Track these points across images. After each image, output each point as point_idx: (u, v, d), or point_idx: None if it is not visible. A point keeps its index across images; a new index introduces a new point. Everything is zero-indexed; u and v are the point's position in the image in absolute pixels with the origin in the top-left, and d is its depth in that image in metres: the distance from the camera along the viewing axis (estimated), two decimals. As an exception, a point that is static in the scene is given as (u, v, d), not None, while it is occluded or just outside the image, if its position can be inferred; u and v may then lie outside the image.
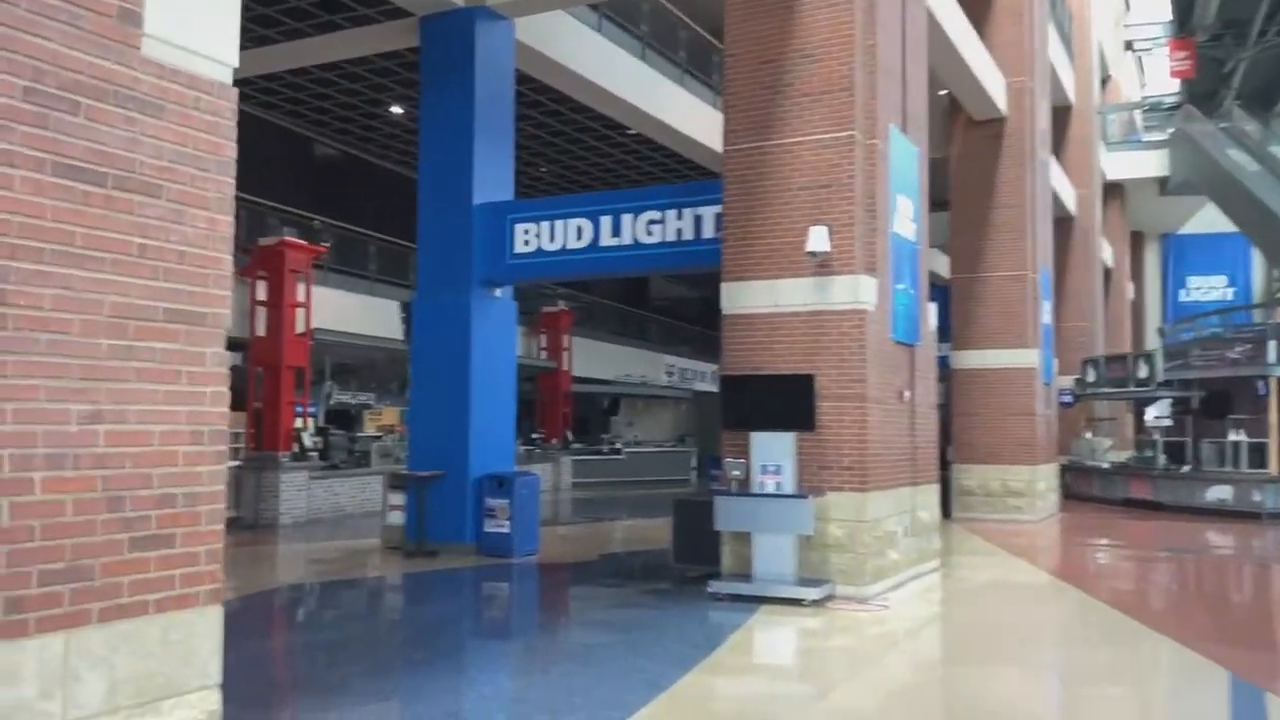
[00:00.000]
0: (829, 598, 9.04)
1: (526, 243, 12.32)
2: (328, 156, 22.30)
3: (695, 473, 28.79)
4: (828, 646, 7.68)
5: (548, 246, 12.19)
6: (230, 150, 3.61)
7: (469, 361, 12.34)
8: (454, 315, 12.44)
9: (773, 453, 9.26)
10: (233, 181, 3.63)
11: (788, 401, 9.34)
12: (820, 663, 7.31)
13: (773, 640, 8.15)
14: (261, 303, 16.26)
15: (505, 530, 11.99)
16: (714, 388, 36.03)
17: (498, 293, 12.99)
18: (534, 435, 24.42)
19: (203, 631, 3.34)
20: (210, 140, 3.50)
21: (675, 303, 36.32)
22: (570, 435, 25.54)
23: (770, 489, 9.20)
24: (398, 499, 12.63)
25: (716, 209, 10.92)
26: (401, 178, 21.96)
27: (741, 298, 9.85)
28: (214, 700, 3.37)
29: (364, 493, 17.22)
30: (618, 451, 26.83)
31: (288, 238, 16.33)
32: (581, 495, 23.33)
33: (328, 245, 18.26)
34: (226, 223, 3.58)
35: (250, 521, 15.51)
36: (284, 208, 18.14)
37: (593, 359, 27.37)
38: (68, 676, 2.94)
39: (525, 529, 12.13)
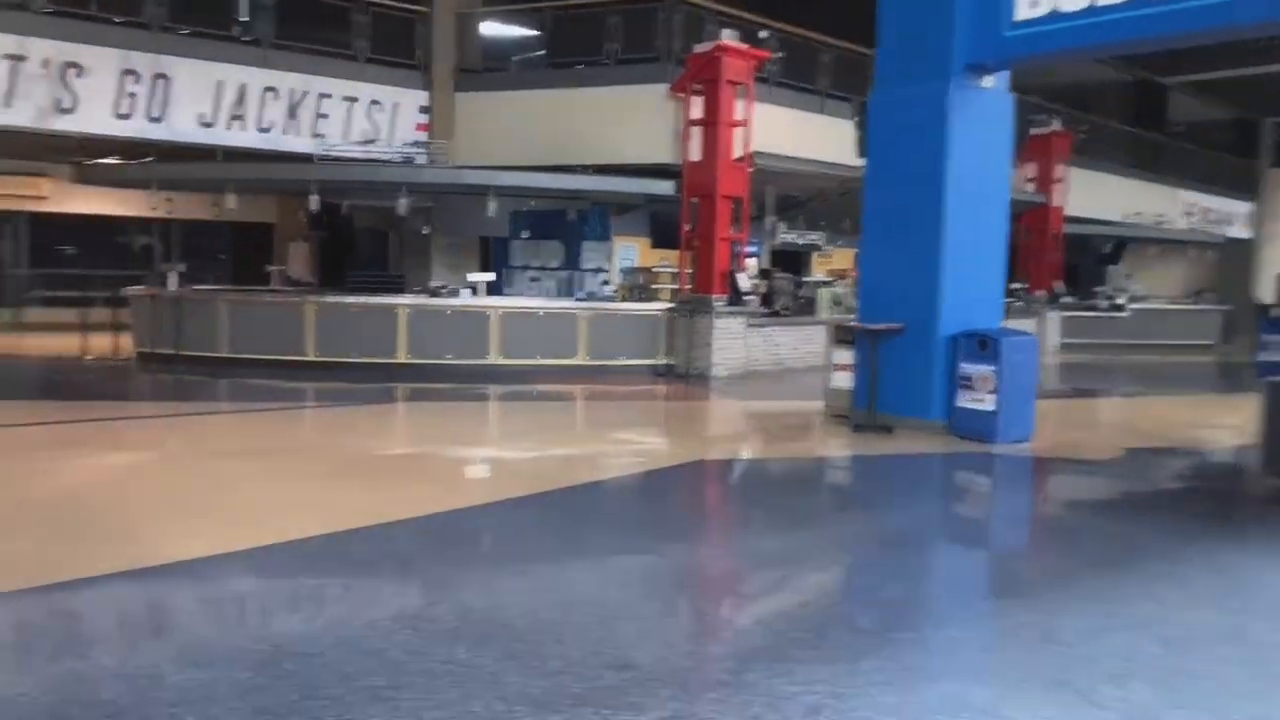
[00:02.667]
0: None
1: (1034, 3, 8.59)
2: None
3: (1222, 338, 22.96)
4: None
5: (1067, 6, 8.38)
6: None
7: (942, 178, 9.09)
8: (924, 113, 9.18)
9: None
10: None
11: None
12: None
13: None
14: (696, 122, 14.01)
15: (987, 407, 8.83)
16: (1248, 234, 28.84)
17: (987, 82, 9.45)
18: (1013, 285, 20.32)
19: None
20: None
21: (1200, 126, 29.06)
22: (1060, 286, 21.06)
23: None
24: (844, 357, 9.93)
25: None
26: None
27: None
28: None
29: (809, 344, 14.78)
30: (1119, 308, 21.86)
31: (725, 42, 13.78)
32: (1072, 360, 19.12)
33: (773, 52, 15.48)
34: None
35: (682, 370, 13.75)
36: (722, 8, 15.54)
37: (1090, 194, 22.28)
38: None
39: (1015, 407, 8.88)
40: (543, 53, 16.94)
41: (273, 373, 12.57)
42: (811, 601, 4.67)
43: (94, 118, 13.39)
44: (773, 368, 14.31)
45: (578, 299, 15.25)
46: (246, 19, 14.62)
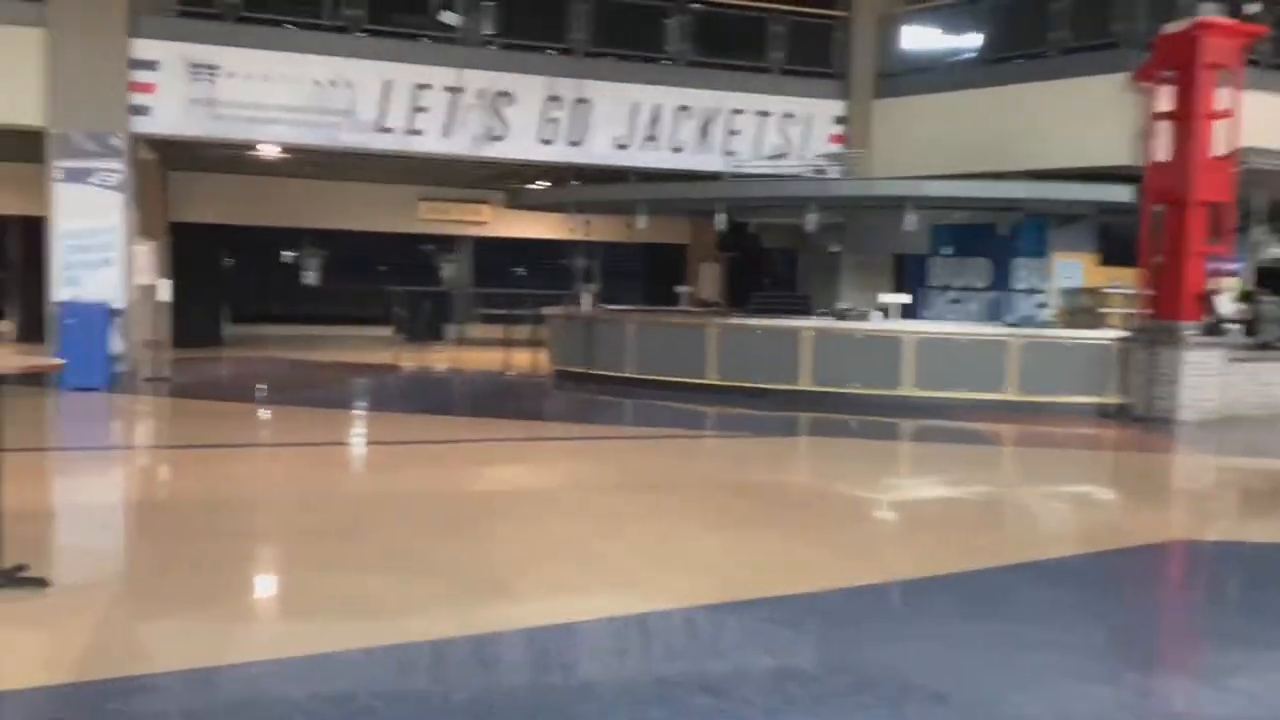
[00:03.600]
0: None
1: None
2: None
3: None
4: None
5: None
6: None
7: None
8: None
9: None
10: None
11: None
12: None
13: None
14: (1165, 115, 11.70)
15: None
16: None
17: None
18: None
19: None
20: None
21: None
22: None
23: None
24: (1385, 409, 7.43)
25: None
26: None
27: None
28: None
29: (1310, 386, 11.83)
30: None
31: (1205, 18, 11.38)
32: None
33: (1268, 27, 12.65)
34: None
35: (1139, 413, 11.47)
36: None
37: None
38: None
39: None
40: (973, 53, 15.29)
41: (675, 395, 12.21)
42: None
43: (521, 144, 13.93)
44: (1261, 412, 11.54)
45: (1008, 324, 13.42)
46: (675, 46, 14.56)
